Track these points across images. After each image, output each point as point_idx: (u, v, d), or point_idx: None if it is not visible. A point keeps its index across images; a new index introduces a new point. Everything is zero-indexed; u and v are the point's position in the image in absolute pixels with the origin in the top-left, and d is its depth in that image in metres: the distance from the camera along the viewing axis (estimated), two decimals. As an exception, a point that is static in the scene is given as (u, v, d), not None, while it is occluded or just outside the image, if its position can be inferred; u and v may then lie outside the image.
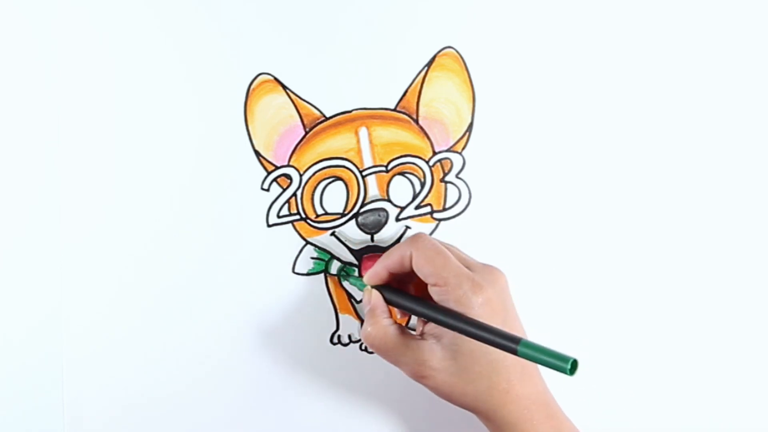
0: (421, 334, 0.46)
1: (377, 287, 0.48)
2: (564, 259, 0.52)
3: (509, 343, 0.40)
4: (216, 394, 0.52)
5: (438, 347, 0.44)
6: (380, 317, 0.46)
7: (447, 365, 0.44)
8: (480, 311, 0.43)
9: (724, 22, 0.52)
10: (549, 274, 0.52)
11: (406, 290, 0.48)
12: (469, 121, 0.52)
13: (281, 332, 0.52)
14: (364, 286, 0.48)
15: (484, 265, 0.46)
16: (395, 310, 0.49)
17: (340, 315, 0.52)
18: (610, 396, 0.53)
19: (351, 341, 0.52)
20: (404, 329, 0.46)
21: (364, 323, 0.47)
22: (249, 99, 0.51)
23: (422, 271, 0.45)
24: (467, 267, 0.45)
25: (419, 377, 0.45)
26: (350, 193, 0.51)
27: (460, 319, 0.43)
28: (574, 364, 0.37)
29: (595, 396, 0.53)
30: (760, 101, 0.52)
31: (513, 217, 0.52)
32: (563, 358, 0.37)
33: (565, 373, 0.37)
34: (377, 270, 0.47)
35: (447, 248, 0.46)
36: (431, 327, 0.45)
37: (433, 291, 0.45)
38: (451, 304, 0.44)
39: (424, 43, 0.51)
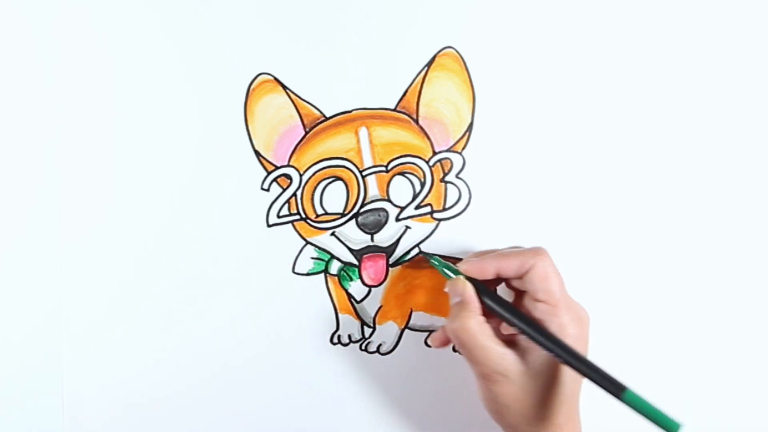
0: (512, 340, 0.45)
1: (471, 281, 0.46)
2: (563, 258, 0.52)
3: (614, 388, 0.41)
4: (215, 394, 0.52)
5: (522, 361, 0.44)
6: (474, 312, 0.45)
7: (523, 380, 0.44)
8: (571, 343, 0.43)
9: (723, 22, 0.52)
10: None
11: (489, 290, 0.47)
12: (469, 121, 0.52)
13: (281, 332, 0.52)
14: (454, 273, 0.47)
15: (578, 303, 0.46)
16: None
17: (340, 315, 0.52)
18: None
19: (351, 341, 0.52)
20: (493, 331, 0.45)
21: (452, 315, 0.45)
22: (249, 99, 0.51)
23: (538, 285, 0.44)
24: None
25: (489, 380, 0.44)
26: (350, 193, 0.51)
27: (571, 353, 0.42)
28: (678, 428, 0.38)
29: (597, 396, 0.53)
30: (760, 101, 0.52)
31: (513, 217, 0.52)
32: (670, 421, 0.38)
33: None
34: (485, 265, 0.46)
35: None
36: (525, 337, 0.44)
37: (537, 307, 0.44)
38: (553, 328, 0.43)
39: (424, 43, 0.51)
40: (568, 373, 0.44)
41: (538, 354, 0.44)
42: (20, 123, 0.50)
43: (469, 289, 0.46)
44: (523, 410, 0.44)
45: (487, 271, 0.46)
